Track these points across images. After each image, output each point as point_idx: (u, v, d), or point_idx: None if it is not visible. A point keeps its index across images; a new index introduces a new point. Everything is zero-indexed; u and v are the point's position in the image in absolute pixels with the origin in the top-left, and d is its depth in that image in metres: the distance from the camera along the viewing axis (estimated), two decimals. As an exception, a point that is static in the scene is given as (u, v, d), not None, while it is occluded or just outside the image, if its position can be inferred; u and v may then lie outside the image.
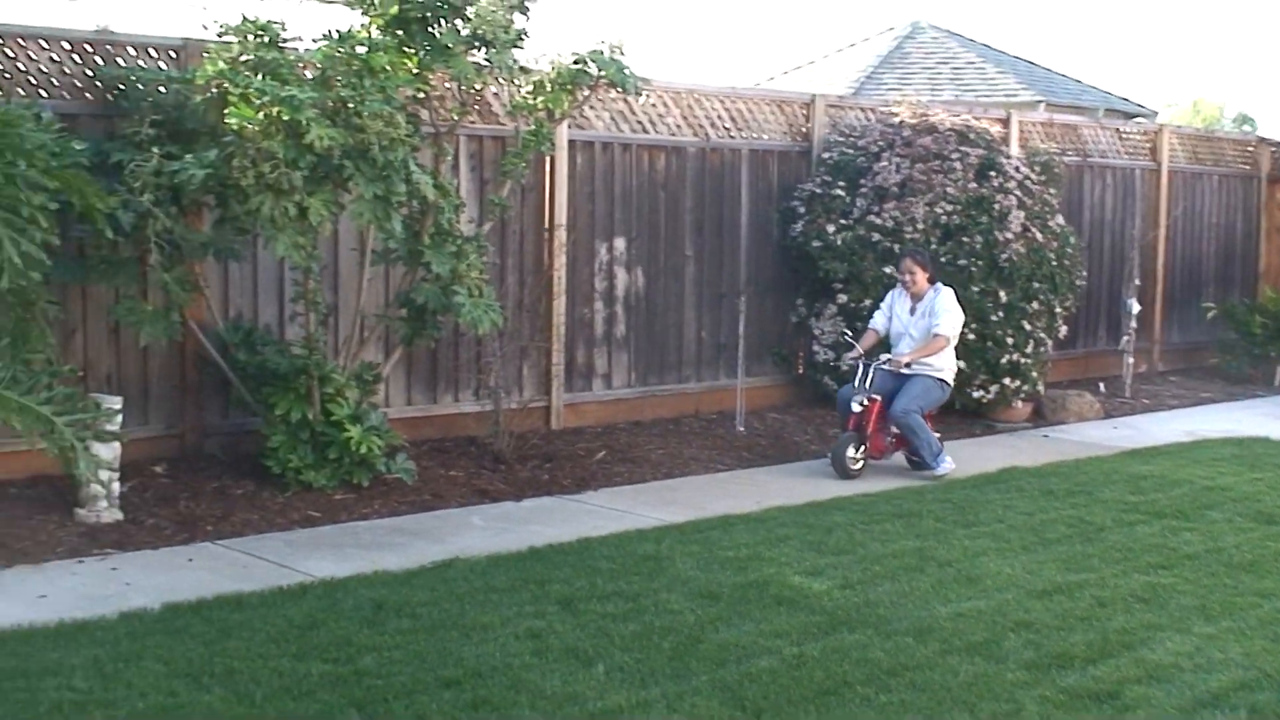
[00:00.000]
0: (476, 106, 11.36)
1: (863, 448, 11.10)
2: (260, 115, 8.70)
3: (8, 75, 9.60)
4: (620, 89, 10.99)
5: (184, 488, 9.88)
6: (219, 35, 9.30)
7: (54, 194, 8.23)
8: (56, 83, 9.89)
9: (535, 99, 10.93)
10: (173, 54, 10.31)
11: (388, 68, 9.19)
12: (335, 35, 9.29)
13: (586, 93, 11.17)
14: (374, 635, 6.80)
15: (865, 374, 11.19)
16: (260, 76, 8.87)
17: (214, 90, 9.14)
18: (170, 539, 8.79)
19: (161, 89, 9.82)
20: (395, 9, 9.72)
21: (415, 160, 9.56)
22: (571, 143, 12.55)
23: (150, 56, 10.24)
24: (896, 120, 14.54)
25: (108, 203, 8.73)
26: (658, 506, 9.98)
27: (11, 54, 9.67)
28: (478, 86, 10.65)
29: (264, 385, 10.05)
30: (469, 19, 9.98)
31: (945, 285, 11.73)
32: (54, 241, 8.31)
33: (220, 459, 10.55)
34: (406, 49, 9.82)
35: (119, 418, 9.08)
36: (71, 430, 8.30)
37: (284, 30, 9.23)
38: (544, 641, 6.76)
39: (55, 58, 9.89)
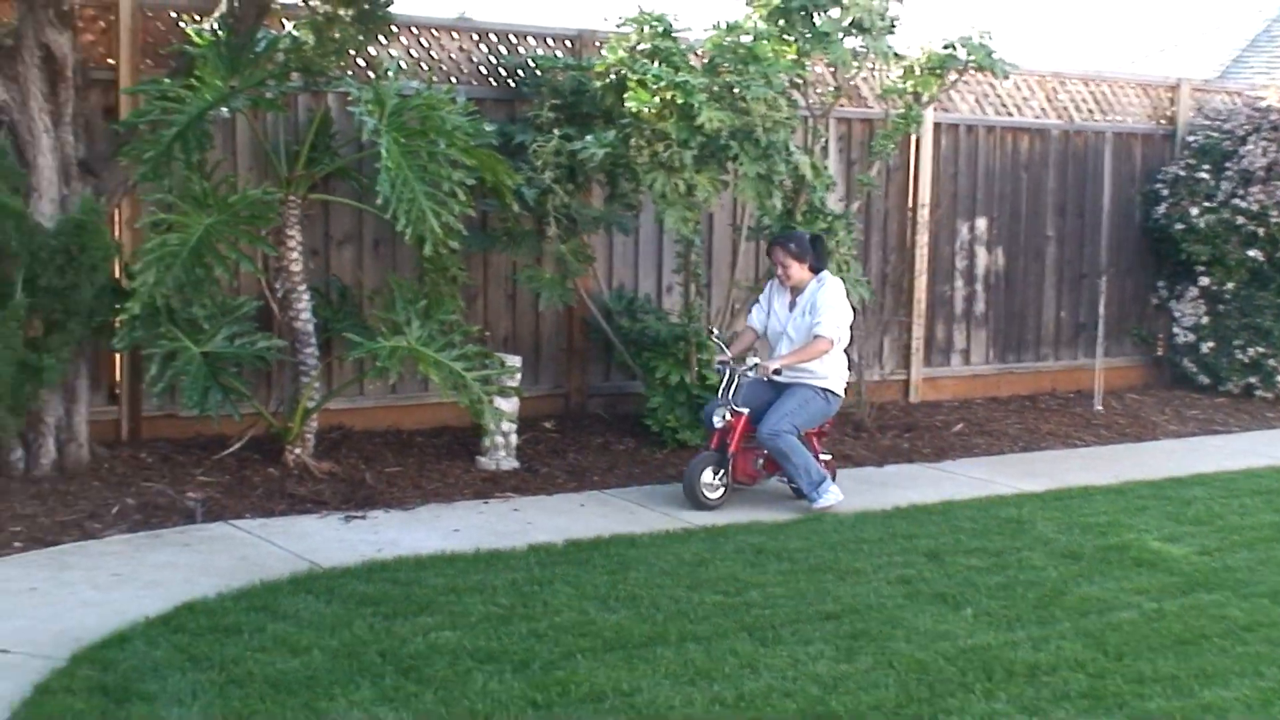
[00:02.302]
0: (848, 91, 12.04)
1: (722, 472, 9.28)
2: (656, 99, 9.59)
3: (426, 64, 10.72)
4: (988, 73, 11.54)
5: (571, 442, 10.87)
6: (617, 26, 10.25)
7: (470, 171, 9.26)
8: (465, 70, 11.00)
9: (905, 83, 11.55)
10: (568, 43, 11.33)
11: (771, 55, 9.94)
12: (723, 25, 10.13)
13: (954, 77, 11.73)
14: (756, 574, 7.61)
15: (730, 382, 9.47)
16: (656, 64, 9.77)
17: (612, 76, 10.09)
18: (562, 486, 9.75)
19: (559, 75, 10.80)
20: (779, 0, 10.51)
21: (793, 142, 10.33)
22: (936, 125, 13.12)
23: (548, 45, 11.27)
24: (1264, 104, 14.63)
25: (515, 179, 9.72)
26: (1016, 476, 10.50)
27: (427, 44, 10.81)
28: (852, 72, 11.32)
29: (644, 350, 10.96)
30: (846, 7, 10.67)
31: (833, 276, 9.83)
32: (470, 214, 9.37)
33: (602, 417, 11.53)
34: (787, 37, 10.55)
35: (519, 375, 10.14)
36: (479, 384, 9.37)
37: (676, 21, 10.11)
38: (913, 587, 7.45)
39: (464, 47, 11.00)
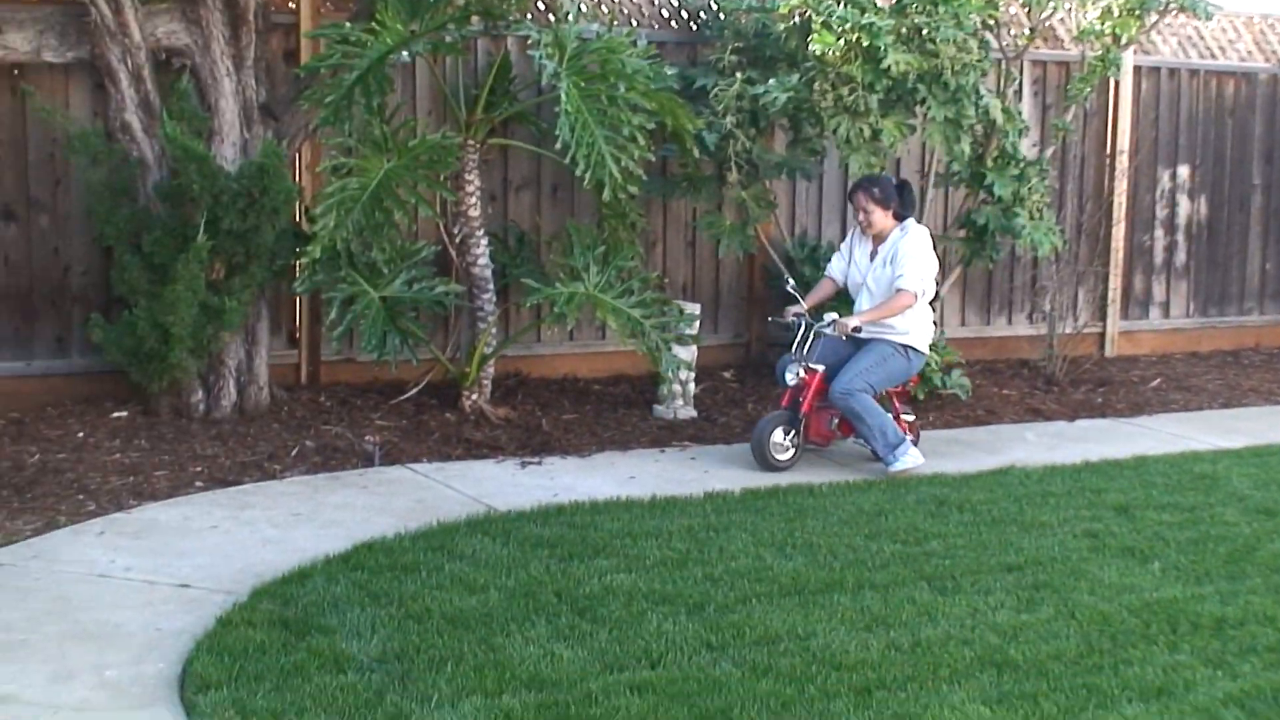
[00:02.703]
0: (1042, 33, 11.99)
1: (793, 432, 9.03)
2: (841, 42, 9.67)
3: (606, 7, 10.92)
4: (1191, 14, 11.42)
5: (750, 392, 11.06)
6: (804, -33, 10.35)
7: (650, 115, 9.43)
8: (646, 13, 11.20)
9: (1103, 24, 11.47)
10: (751, -17, 11.45)
11: (961, -6, 10.00)
12: (909, -36, 10.18)
13: (1155, 18, 11.63)
14: (937, 525, 7.73)
15: (805, 337, 9.16)
16: (841, 5, 9.83)
17: (796, 19, 10.18)
18: (739, 436, 9.90)
19: (742, 18, 10.93)
20: (972, -65, 10.54)
21: (984, 85, 10.34)
22: (1136, 68, 13.02)
23: (733, -14, 11.41)
24: None
25: (696, 124, 9.88)
26: (1214, 433, 10.44)
27: (608, -15, 11.03)
28: (1047, 13, 11.27)
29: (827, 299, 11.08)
30: (1041, -55, 10.68)
31: (918, 224, 9.43)
32: (650, 159, 9.55)
33: (781, 368, 11.70)
34: (977, -25, 10.59)
35: (697, 323, 10.33)
36: (657, 332, 9.58)
37: (863, -40, 10.19)
38: (1100, 540, 7.51)
39: (641, -13, 11.21)
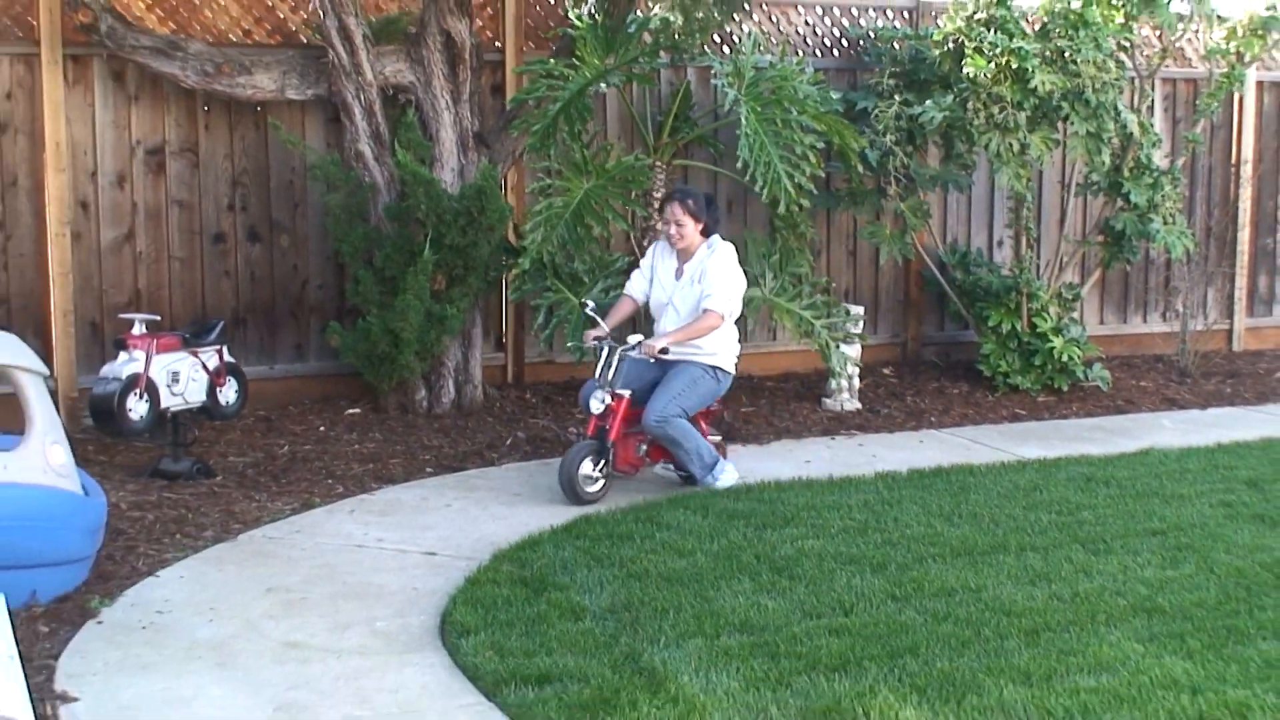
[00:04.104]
0: (1173, 53, 12.31)
1: (602, 462, 8.20)
2: (991, 64, 10.13)
3: (775, 38, 11.44)
4: (1309, 32, 11.71)
5: (908, 386, 11.49)
6: (954, -2, 10.83)
7: (819, 135, 9.92)
8: (810, 42, 11.69)
9: (1228, 44, 11.79)
10: (906, 14, 11.90)
11: (1100, 19, 10.38)
12: (1054, -7, 10.63)
13: (1276, 37, 11.90)
14: (1086, 498, 8.16)
15: (609, 361, 8.29)
16: (992, 31, 10.28)
17: (950, 44, 10.64)
18: (901, 425, 10.37)
19: (897, 45, 11.38)
20: (1107, -33, 10.94)
21: (1121, 101, 10.72)
22: (1259, 83, 13.24)
23: (887, 17, 11.88)
24: None
25: (859, 143, 10.34)
26: (1338, 418, 10.75)
27: (777, 19, 11.54)
28: (1176, 34, 11.59)
29: (977, 301, 11.49)
30: (1173, -27, 11.03)
31: (724, 240, 8.63)
32: (820, 175, 10.03)
33: (936, 364, 12.11)
34: (1114, 3, 10.92)
35: (861, 323, 10.80)
36: (827, 331, 10.08)
37: (1010, -10, 10.62)
38: (1233, 510, 7.90)
39: (810, 21, 11.69)
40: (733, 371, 8.59)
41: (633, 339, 8.31)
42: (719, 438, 8.85)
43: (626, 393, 8.24)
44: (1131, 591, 6.49)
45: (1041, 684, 5.42)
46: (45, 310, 9.68)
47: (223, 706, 5.40)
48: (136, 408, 8.24)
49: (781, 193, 9.53)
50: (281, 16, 10.22)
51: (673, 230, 8.44)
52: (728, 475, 8.39)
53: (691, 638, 5.92)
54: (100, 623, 6.23)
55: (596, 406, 8.18)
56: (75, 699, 5.44)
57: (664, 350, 8.23)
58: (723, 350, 8.46)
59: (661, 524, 7.57)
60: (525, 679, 5.51)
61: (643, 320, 9.47)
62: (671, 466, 8.56)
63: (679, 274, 8.52)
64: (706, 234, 8.52)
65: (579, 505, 8.00)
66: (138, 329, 8.40)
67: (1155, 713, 5.16)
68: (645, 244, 10.51)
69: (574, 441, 9.18)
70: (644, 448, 8.43)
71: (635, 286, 8.79)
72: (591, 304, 8.87)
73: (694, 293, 8.38)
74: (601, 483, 8.19)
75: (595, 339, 8.43)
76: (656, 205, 10.29)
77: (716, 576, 6.70)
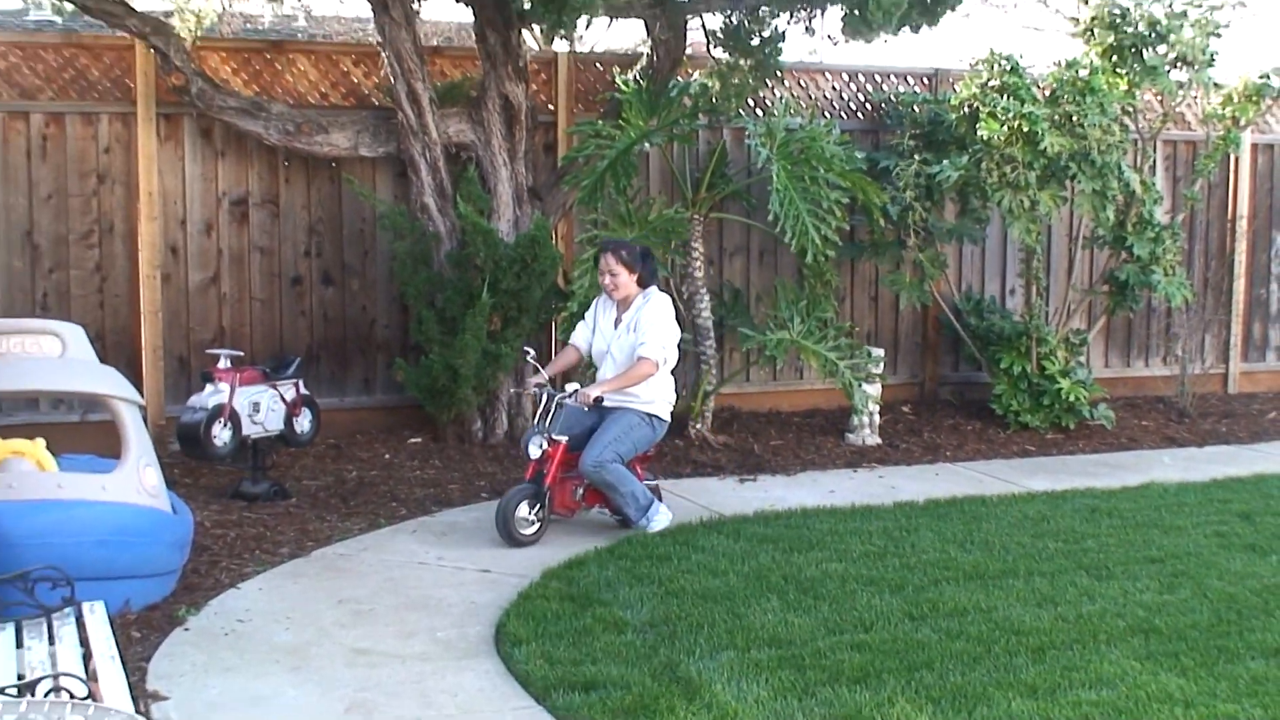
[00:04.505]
0: (1174, 117, 12.38)
1: (538, 505, 7.87)
2: (1004, 128, 10.22)
3: (804, 102, 11.56)
4: (1301, 98, 11.77)
5: (925, 423, 11.54)
6: (970, 65, 10.91)
7: (844, 191, 10.03)
8: (837, 106, 11.81)
9: (1224, 109, 11.85)
10: (925, 80, 12.02)
11: (1105, 86, 10.47)
12: (1063, 62, 10.72)
13: (1269, 103, 11.99)
14: (1091, 527, 8.20)
15: (546, 409, 8.06)
16: (1004, 97, 10.38)
17: (965, 109, 10.73)
18: (919, 459, 10.42)
19: (917, 108, 11.50)
20: (1111, 39, 11.01)
21: (1125, 162, 10.81)
22: (1254, 145, 13.25)
23: (907, 83, 11.98)
24: None
25: (881, 198, 10.44)
26: (1324, 457, 10.76)
27: (805, 85, 11.66)
28: (1177, 100, 11.67)
29: (990, 344, 11.55)
30: (1172, 44, 11.06)
31: (660, 291, 8.38)
32: (844, 227, 10.15)
33: (951, 403, 12.16)
34: (1119, 70, 11.03)
35: (882, 365, 10.88)
36: (850, 371, 10.16)
37: (1021, 59, 10.69)
38: (1227, 539, 7.93)
39: (835, 86, 11.81)
40: (668, 419, 8.32)
41: (569, 387, 8.07)
42: (655, 481, 8.49)
43: (563, 439, 7.94)
44: (1131, 614, 6.54)
45: (1047, 697, 5.49)
46: (137, 345, 9.88)
47: (299, 705, 5.52)
48: (221, 435, 8.41)
49: (809, 243, 9.67)
50: (355, 81, 10.40)
51: (607, 280, 8.16)
52: (661, 518, 8.09)
53: (724, 650, 6.01)
54: (187, 629, 6.37)
55: (534, 452, 7.91)
56: (166, 698, 5.56)
57: (598, 399, 7.98)
58: (659, 398, 8.21)
59: (697, 547, 7.66)
60: (572, 685, 5.60)
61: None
62: (607, 510, 8.22)
63: (617, 323, 8.26)
64: (643, 285, 8.24)
65: (515, 547, 7.72)
66: (223, 363, 8.57)
67: (1150, 724, 5.23)
68: (683, 289, 10.67)
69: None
70: (580, 491, 8.12)
71: (579, 336, 8.50)
72: (532, 352, 8.43)
73: (629, 341, 8.13)
74: (537, 526, 7.87)
75: (536, 386, 8.15)
76: (694, 254, 10.44)
77: (747, 595, 6.78)
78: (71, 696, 4.27)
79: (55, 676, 4.47)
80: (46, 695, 4.27)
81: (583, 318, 8.60)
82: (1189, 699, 5.46)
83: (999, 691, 5.52)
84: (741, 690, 5.55)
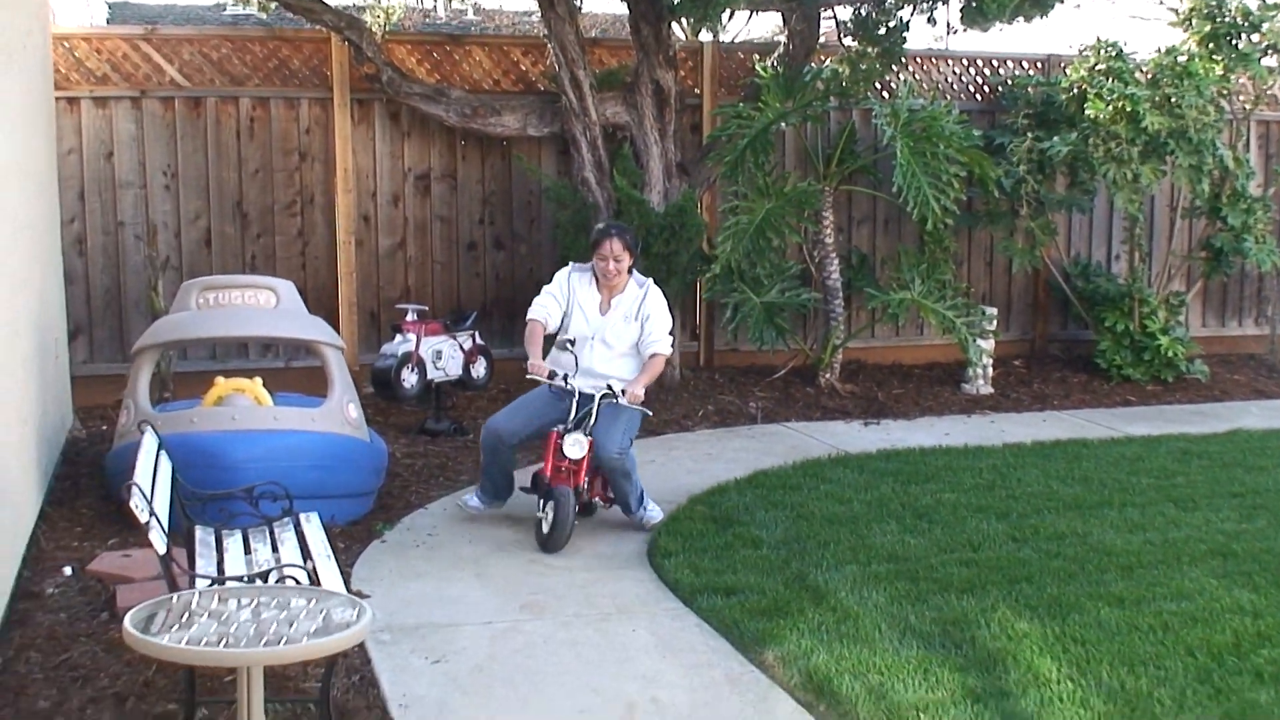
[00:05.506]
0: (1266, 99, 12.31)
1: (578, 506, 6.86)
2: (1109, 108, 10.30)
3: (926, 85, 11.70)
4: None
5: (1035, 376, 11.62)
6: (1080, 51, 10.99)
7: (962, 166, 10.18)
8: (956, 88, 11.91)
9: (1314, 92, 11.83)
10: (1039, 64, 12.05)
11: (1201, 71, 10.48)
12: (1163, 49, 10.75)
13: (1355, 87, 11.89)
14: (1182, 467, 8.33)
15: (587, 409, 6.92)
16: (1110, 80, 10.46)
17: (1075, 90, 10.81)
18: (1028, 407, 10.55)
19: (1030, 90, 11.56)
20: (1208, 28, 10.98)
21: (1219, 140, 10.80)
22: (1343, 124, 13.13)
23: (1022, 67, 12.02)
24: None
25: (996, 172, 10.56)
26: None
27: (928, 69, 11.78)
28: (1269, 84, 11.62)
29: (1096, 305, 11.61)
30: (1264, 33, 11.00)
31: (653, 281, 7.47)
32: (962, 198, 10.29)
33: (1059, 358, 12.21)
34: (1215, 57, 10.99)
35: (995, 322, 11.01)
36: (966, 328, 10.31)
37: (1126, 45, 10.75)
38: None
39: (955, 70, 11.91)
40: (649, 412, 7.44)
41: (614, 387, 6.96)
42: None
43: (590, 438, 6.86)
44: (1211, 539, 6.71)
45: (1132, 607, 5.71)
46: (334, 302, 10.32)
47: (481, 603, 5.93)
48: (409, 379, 8.85)
49: (929, 213, 9.83)
50: (524, 69, 10.76)
51: (611, 266, 7.11)
52: (655, 510, 7.18)
53: (847, 564, 6.31)
54: (384, 541, 6.82)
55: (578, 451, 6.82)
56: (368, 596, 5.98)
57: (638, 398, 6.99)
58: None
59: (824, 478, 7.94)
60: (715, 590, 5.95)
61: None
62: (599, 501, 7.22)
63: (606, 309, 7.19)
64: (630, 272, 7.30)
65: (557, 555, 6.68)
66: (410, 317, 9.01)
67: (1223, 630, 5.42)
68: (814, 254, 10.89)
69: (755, 414, 9.68)
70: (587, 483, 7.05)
71: (549, 313, 7.22)
72: (571, 341, 7.20)
73: (630, 330, 7.14)
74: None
75: (562, 381, 7.02)
76: (824, 223, 10.65)
77: (869, 519, 7.06)
78: (296, 583, 4.71)
79: (281, 568, 4.92)
80: (276, 584, 4.71)
81: (550, 294, 7.28)
82: (1258, 610, 5.65)
83: (1090, 602, 5.76)
84: (862, 597, 5.84)
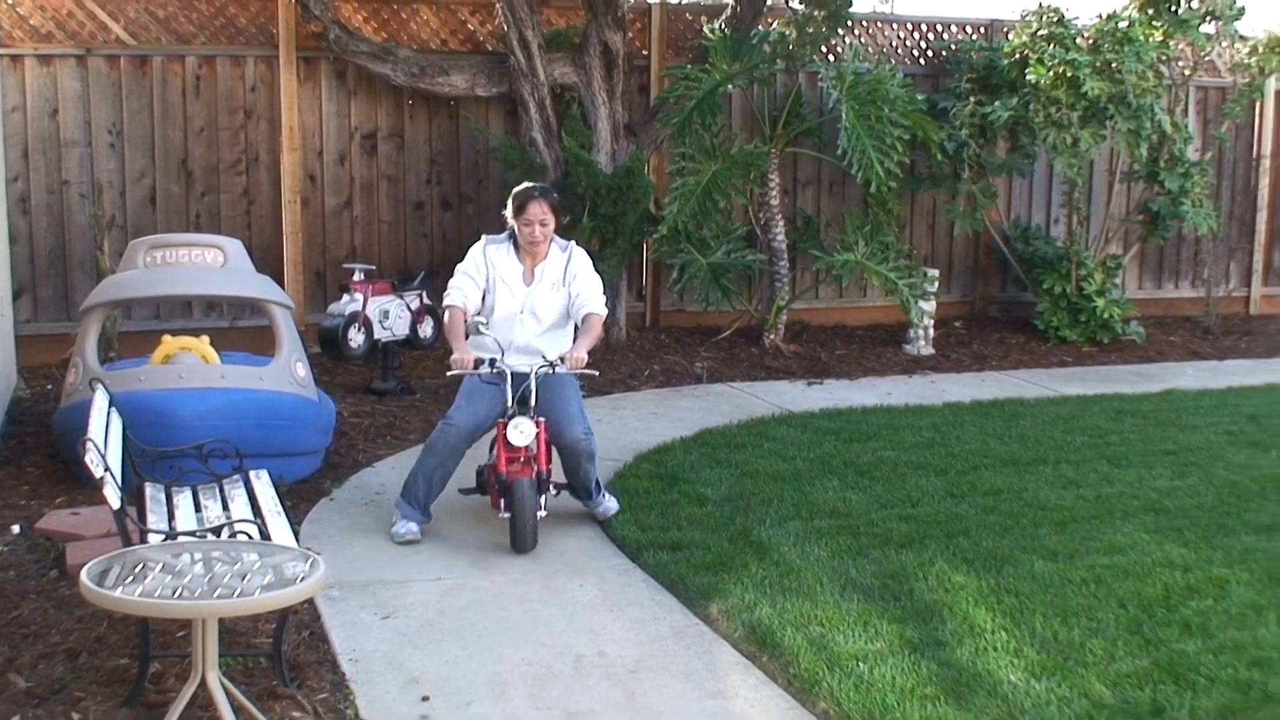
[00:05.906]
0: (1204, 65, 12.47)
1: (543, 496, 6.25)
2: (1050, 73, 10.42)
3: (871, 49, 11.77)
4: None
5: (974, 337, 11.76)
6: (1021, 17, 11.11)
7: (905, 129, 10.27)
8: (900, 52, 11.99)
9: (1250, 59, 11.97)
10: (982, 29, 12.14)
11: (1141, 37, 10.61)
12: (1104, 15, 10.88)
13: (1292, 51, 12.05)
14: (1116, 425, 8.50)
15: (526, 386, 6.22)
16: (1052, 45, 10.56)
17: (1017, 55, 10.92)
18: (967, 368, 10.68)
19: (974, 55, 11.66)
20: (1149, -6, 11.16)
21: (1158, 105, 10.95)
22: (1277, 92, 13.16)
23: (965, 32, 12.11)
24: None
25: (939, 135, 10.66)
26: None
27: (873, 34, 11.86)
28: (1207, 50, 11.78)
29: (1035, 267, 11.77)
30: (1203, 0, 11.21)
31: (576, 243, 6.80)
32: (906, 161, 10.39)
33: (999, 320, 12.36)
34: (1155, 23, 11.13)
35: (936, 284, 11.14)
36: (908, 289, 10.43)
37: (1067, 12, 10.87)
38: (1235, 437, 8.22)
39: (900, 35, 12.00)
40: (596, 373, 6.99)
41: (558, 354, 6.35)
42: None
43: (540, 419, 6.26)
44: (1144, 496, 6.87)
45: (1065, 560, 5.85)
46: (279, 261, 10.29)
47: (430, 560, 5.99)
48: (355, 338, 8.85)
49: (874, 175, 9.93)
50: (472, 29, 10.75)
51: (537, 231, 6.42)
52: (613, 501, 6.66)
53: (790, 520, 6.42)
54: (331, 499, 6.86)
55: (524, 438, 6.15)
56: (317, 553, 5.98)
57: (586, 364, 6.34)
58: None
59: (768, 437, 8.04)
60: (660, 546, 6.04)
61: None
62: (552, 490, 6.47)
63: (530, 277, 6.53)
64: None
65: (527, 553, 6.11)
66: (357, 276, 9.01)
67: (1154, 583, 5.57)
68: (760, 216, 10.95)
69: (700, 374, 9.71)
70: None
71: (468, 295, 6.48)
72: (483, 321, 6.44)
73: (559, 297, 6.51)
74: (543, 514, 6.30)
75: (492, 365, 6.32)
76: (770, 185, 10.71)
77: (811, 476, 7.17)
78: (249, 538, 4.76)
79: (233, 524, 4.96)
80: (228, 539, 4.75)
81: (466, 275, 6.54)
82: (1188, 564, 5.81)
83: (1024, 555, 5.89)
84: (805, 551, 5.96)
